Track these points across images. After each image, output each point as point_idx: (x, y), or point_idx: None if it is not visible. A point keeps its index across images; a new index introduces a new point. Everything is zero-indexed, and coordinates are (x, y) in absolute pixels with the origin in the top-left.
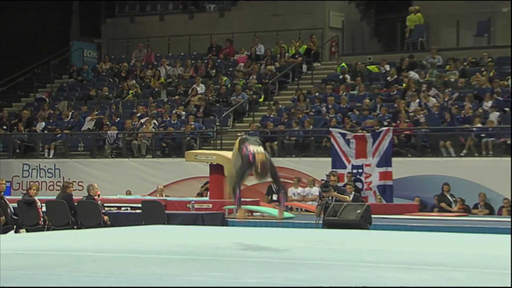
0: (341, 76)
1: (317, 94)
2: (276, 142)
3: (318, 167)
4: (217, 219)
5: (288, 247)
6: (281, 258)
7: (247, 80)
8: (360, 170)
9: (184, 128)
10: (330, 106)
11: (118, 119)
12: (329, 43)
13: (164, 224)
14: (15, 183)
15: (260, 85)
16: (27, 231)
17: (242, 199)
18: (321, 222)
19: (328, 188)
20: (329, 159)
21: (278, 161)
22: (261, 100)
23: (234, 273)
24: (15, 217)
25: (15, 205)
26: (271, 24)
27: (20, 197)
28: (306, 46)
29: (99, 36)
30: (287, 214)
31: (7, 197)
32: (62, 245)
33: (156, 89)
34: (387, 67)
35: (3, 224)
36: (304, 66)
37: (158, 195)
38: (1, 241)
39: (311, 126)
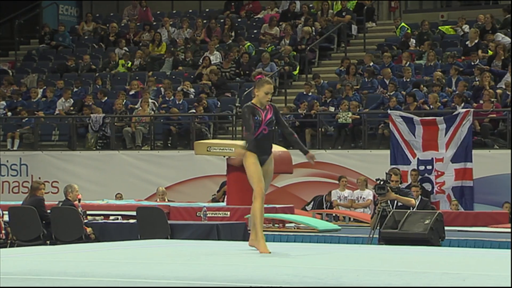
0: (403, 40)
1: (371, 64)
2: (315, 129)
3: (373, 162)
4: (238, 231)
5: (332, 270)
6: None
7: (277, 46)
8: (429, 167)
9: (193, 111)
10: (388, 81)
11: (105, 98)
12: None
13: (166, 238)
14: None
15: (295, 53)
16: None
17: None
18: (376, 236)
19: (386, 190)
20: (388, 151)
21: (319, 154)
22: (296, 72)
23: None
24: None
25: None
26: None
27: None
28: (356, 1)
29: None
30: (330, 225)
31: None
32: (31, 267)
33: (156, 58)
34: (466, 28)
35: None
36: (354, 27)
37: (158, 200)
38: None
39: (359, 108)
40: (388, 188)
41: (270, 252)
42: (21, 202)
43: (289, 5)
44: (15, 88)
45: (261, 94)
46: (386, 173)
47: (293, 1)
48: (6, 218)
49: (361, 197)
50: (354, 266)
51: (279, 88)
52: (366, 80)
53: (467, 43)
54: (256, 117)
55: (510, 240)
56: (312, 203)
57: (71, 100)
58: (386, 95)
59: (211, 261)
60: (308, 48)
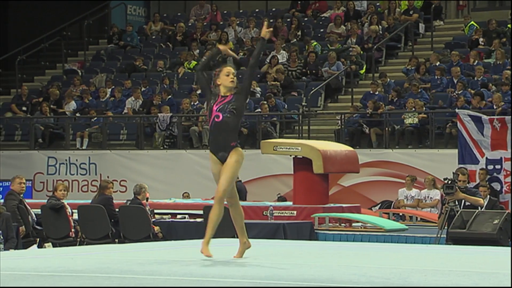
0: (472, 38)
1: (438, 63)
2: (381, 128)
3: (440, 161)
4: (304, 230)
5: (400, 270)
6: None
7: (343, 45)
8: (498, 166)
9: (259, 110)
10: (456, 80)
11: (171, 97)
12: None
13: (233, 237)
14: (38, 182)
15: (362, 52)
16: (54, 245)
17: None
18: (444, 235)
19: (454, 190)
20: (455, 151)
21: (386, 154)
22: (362, 71)
23: None
24: (39, 227)
25: (39, 211)
26: None
27: (45, 201)
28: None
29: None
30: (397, 225)
31: (27, 200)
32: (99, 265)
33: (223, 58)
34: None
35: (23, 236)
36: (421, 26)
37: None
38: (19, 258)
39: (424, 108)
40: (456, 187)
41: (212, 256)
42: (90, 201)
43: (355, 4)
44: (84, 88)
45: (223, 78)
46: (453, 173)
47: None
48: (75, 216)
49: (428, 197)
50: (421, 266)
51: (345, 87)
52: (436, 78)
53: None
54: (210, 102)
55: None
56: (379, 205)
57: (141, 99)
58: (454, 94)
59: (277, 261)
60: (375, 47)
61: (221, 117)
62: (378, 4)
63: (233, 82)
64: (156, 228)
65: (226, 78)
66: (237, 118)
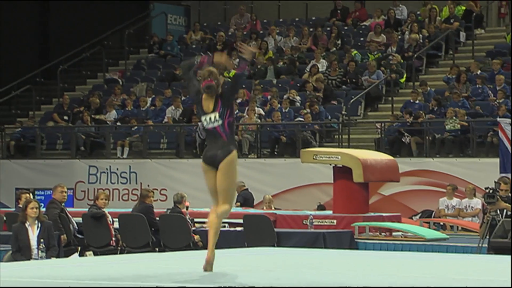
0: None
1: (479, 72)
2: (421, 137)
3: (481, 170)
4: (344, 239)
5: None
6: None
7: (383, 53)
8: None
9: (299, 119)
10: (498, 88)
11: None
12: (497, 2)
13: (273, 246)
14: (79, 191)
15: (402, 61)
16: (95, 254)
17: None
18: (485, 245)
19: (495, 199)
20: (496, 160)
21: (427, 163)
22: (402, 80)
23: None
24: (80, 236)
25: (80, 219)
26: None
27: (86, 210)
28: (464, 7)
29: None
30: (438, 234)
31: (69, 209)
32: (140, 273)
33: (262, 67)
34: None
35: (65, 245)
36: (462, 34)
37: (265, 208)
38: (60, 267)
39: (466, 117)
40: (498, 197)
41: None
42: (130, 210)
43: (395, 13)
44: (124, 97)
45: None
46: (495, 182)
47: (399, 8)
48: (116, 225)
49: (469, 206)
50: (462, 276)
51: (385, 96)
52: (477, 87)
53: None
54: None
55: None
56: (420, 214)
57: (181, 108)
58: (495, 102)
59: (317, 269)
60: (416, 55)
61: (211, 124)
62: (418, 12)
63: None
64: (196, 237)
65: None
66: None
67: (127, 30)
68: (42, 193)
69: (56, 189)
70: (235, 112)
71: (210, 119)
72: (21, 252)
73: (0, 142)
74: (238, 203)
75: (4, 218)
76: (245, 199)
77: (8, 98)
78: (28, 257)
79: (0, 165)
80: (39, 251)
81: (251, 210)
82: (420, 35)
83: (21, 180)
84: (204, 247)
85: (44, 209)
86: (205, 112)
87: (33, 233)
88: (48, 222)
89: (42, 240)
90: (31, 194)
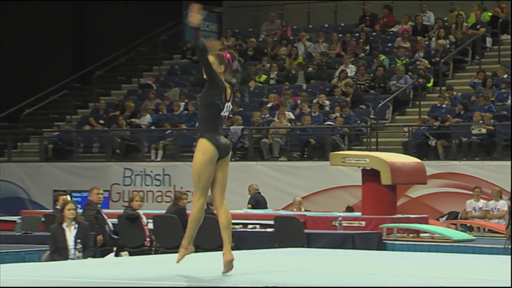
0: None
1: (505, 76)
2: (448, 140)
3: (507, 173)
4: (372, 241)
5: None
6: None
7: (411, 59)
8: None
9: (329, 123)
10: None
11: (242, 109)
12: None
13: (303, 246)
14: (114, 193)
15: (429, 66)
16: (130, 254)
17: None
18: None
19: None
20: None
21: (453, 165)
22: (429, 85)
23: None
24: (115, 237)
25: (115, 221)
26: None
27: (121, 211)
28: (491, 13)
29: (219, 3)
30: (465, 236)
31: (105, 210)
32: (173, 273)
33: (293, 72)
34: None
35: (101, 245)
36: (488, 40)
37: (295, 209)
38: (97, 267)
39: (493, 120)
40: None
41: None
42: (164, 211)
43: (422, 19)
44: (158, 102)
45: None
46: None
47: (426, 14)
48: (150, 226)
49: (495, 208)
50: (489, 276)
51: (413, 100)
52: (503, 91)
53: None
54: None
55: None
56: (447, 215)
57: None
58: None
59: (346, 270)
60: (443, 60)
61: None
62: (445, 18)
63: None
64: None
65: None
66: (202, 108)
67: (161, 36)
68: (79, 195)
69: (92, 191)
70: (265, 116)
71: (227, 107)
72: (59, 252)
73: (39, 145)
74: (250, 205)
75: (42, 219)
76: (257, 202)
77: (46, 103)
78: (65, 257)
79: (39, 167)
80: (76, 251)
81: (281, 212)
82: (447, 41)
83: (59, 182)
84: (236, 248)
85: (81, 211)
86: (227, 100)
87: (70, 234)
88: (84, 223)
89: (79, 240)
90: (68, 196)
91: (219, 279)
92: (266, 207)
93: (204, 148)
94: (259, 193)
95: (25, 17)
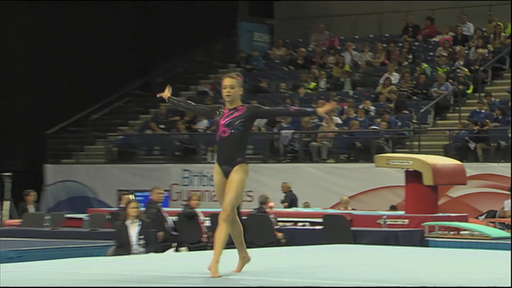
0: None
1: None
2: (487, 143)
3: None
4: (415, 238)
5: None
6: None
7: (452, 67)
8: None
9: (374, 127)
10: None
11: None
12: None
13: (349, 243)
14: (174, 193)
15: (469, 73)
16: (189, 249)
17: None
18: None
19: None
20: None
21: (492, 167)
22: (469, 91)
23: None
24: (175, 233)
25: (175, 218)
26: None
27: (180, 209)
28: None
29: (271, 16)
30: (503, 233)
31: (165, 209)
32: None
33: (340, 79)
34: None
35: (161, 241)
36: None
37: (342, 208)
38: (158, 261)
39: None
40: None
41: (220, 276)
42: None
43: (462, 29)
44: None
45: (222, 91)
46: None
47: (465, 25)
48: (207, 223)
49: None
50: None
51: (453, 106)
52: None
53: None
54: (216, 118)
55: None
56: (485, 214)
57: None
58: None
59: (389, 265)
60: (481, 68)
61: (227, 133)
62: (484, 29)
63: (229, 95)
64: (280, 235)
65: (223, 91)
66: (244, 134)
67: (217, 46)
68: (141, 194)
69: (154, 191)
70: (314, 121)
71: None
72: (123, 247)
73: (104, 148)
74: (286, 204)
75: (108, 216)
76: (292, 200)
77: (110, 109)
78: (129, 252)
79: (104, 169)
80: (139, 247)
81: (329, 210)
82: (486, 50)
83: (122, 182)
84: (287, 244)
85: (143, 209)
86: None
87: (133, 230)
88: (146, 220)
89: (141, 236)
90: (131, 195)
91: (269, 273)
92: (297, 205)
93: (247, 171)
94: (291, 191)
95: (92, 33)
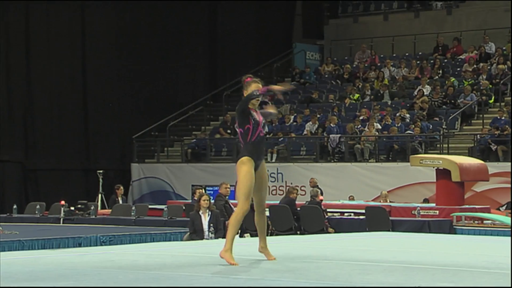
0: None
1: None
2: (507, 146)
3: None
4: (444, 226)
5: None
6: None
7: (476, 80)
8: None
9: (409, 132)
10: None
11: (339, 121)
12: None
13: (388, 231)
14: None
15: (491, 86)
16: (251, 235)
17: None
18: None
19: None
20: None
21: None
22: (491, 101)
23: (462, 283)
24: None
25: None
26: (503, 20)
27: None
28: None
29: (322, 37)
30: None
31: (231, 201)
32: (286, 251)
33: (380, 91)
34: None
35: None
36: None
37: (382, 201)
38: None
39: None
40: None
41: (237, 264)
42: (278, 202)
43: (485, 48)
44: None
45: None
46: None
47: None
48: (267, 213)
49: None
50: None
51: (477, 114)
52: None
53: None
54: (253, 117)
55: None
56: (505, 206)
57: (317, 124)
58: None
59: (423, 249)
60: (502, 82)
61: (263, 133)
62: (504, 48)
63: (258, 101)
64: (330, 230)
65: None
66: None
67: (276, 63)
68: (211, 189)
69: (222, 186)
70: (358, 126)
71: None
72: (196, 234)
73: (180, 150)
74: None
75: (183, 207)
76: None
77: (186, 117)
78: (201, 238)
79: (180, 167)
80: (209, 233)
81: (371, 203)
82: (505, 66)
83: (196, 179)
84: (335, 232)
85: (213, 201)
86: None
87: (205, 219)
88: (216, 211)
89: (211, 224)
90: (203, 190)
91: (323, 255)
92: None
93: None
94: (317, 185)
95: (172, 55)
